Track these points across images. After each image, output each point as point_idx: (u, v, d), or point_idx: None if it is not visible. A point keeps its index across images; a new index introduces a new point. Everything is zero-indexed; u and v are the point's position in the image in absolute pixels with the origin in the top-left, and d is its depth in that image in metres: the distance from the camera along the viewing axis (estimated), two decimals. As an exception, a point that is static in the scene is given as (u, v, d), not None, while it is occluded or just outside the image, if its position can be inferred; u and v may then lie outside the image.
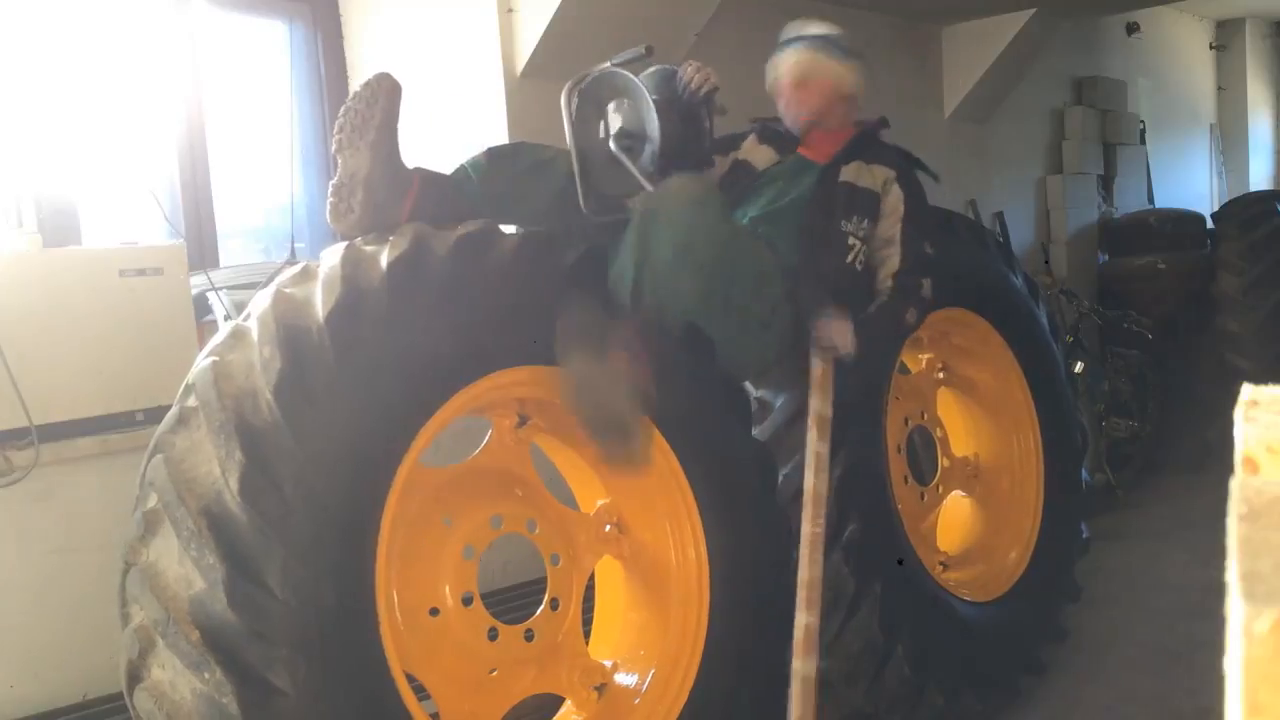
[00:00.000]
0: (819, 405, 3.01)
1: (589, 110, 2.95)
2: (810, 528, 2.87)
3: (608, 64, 2.96)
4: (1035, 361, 4.06)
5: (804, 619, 2.77)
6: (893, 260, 3.20)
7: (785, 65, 3.28)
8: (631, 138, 2.95)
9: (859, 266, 3.17)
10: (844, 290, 3.11)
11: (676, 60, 3.20)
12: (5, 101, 3.49)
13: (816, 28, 3.30)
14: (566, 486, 2.97)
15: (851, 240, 3.15)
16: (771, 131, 3.36)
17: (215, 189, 4.17)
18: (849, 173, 3.21)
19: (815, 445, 2.98)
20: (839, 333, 3.02)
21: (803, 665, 2.75)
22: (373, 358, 2.21)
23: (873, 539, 3.26)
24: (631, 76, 2.94)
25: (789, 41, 3.30)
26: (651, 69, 3.07)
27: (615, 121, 2.90)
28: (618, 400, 2.43)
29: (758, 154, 3.34)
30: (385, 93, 2.57)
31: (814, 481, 2.93)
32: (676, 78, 3.01)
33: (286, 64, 4.39)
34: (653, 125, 2.87)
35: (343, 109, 2.60)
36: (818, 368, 3.04)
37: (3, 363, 2.87)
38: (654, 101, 2.88)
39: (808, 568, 2.82)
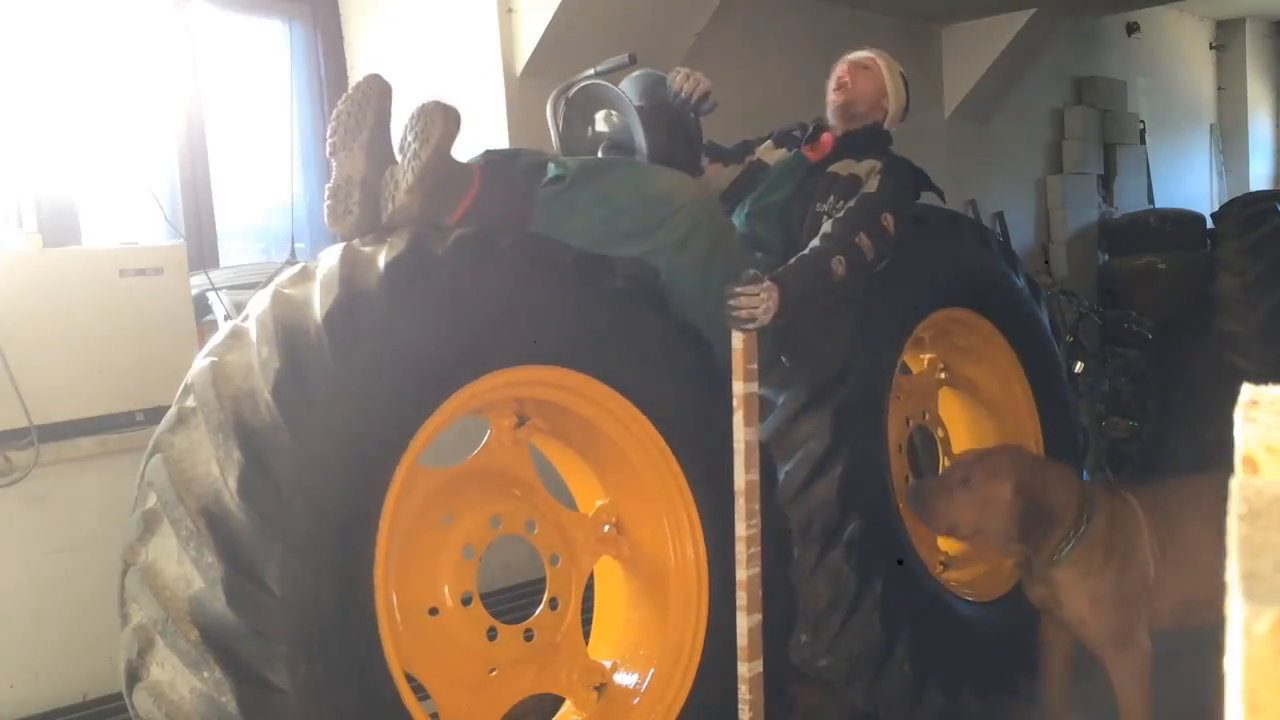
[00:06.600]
0: (741, 387, 2.66)
1: (575, 120, 2.93)
2: (743, 527, 2.67)
3: (591, 72, 2.95)
4: (1037, 362, 4.06)
5: (746, 621, 2.68)
6: (839, 214, 3.02)
7: (862, 51, 3.44)
8: (619, 149, 2.94)
9: None
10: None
11: (675, 60, 3.20)
12: (5, 101, 3.49)
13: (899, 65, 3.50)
14: (565, 487, 2.97)
15: (825, 221, 3.08)
16: (787, 135, 3.40)
17: (215, 189, 4.17)
18: (837, 166, 3.26)
19: (742, 433, 2.66)
20: (752, 302, 2.65)
21: (749, 669, 2.69)
22: (371, 358, 2.20)
23: (873, 538, 3.25)
24: (616, 89, 2.94)
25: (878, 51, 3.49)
26: (638, 74, 3.06)
27: (603, 131, 2.89)
28: None
29: (773, 156, 3.38)
30: (376, 94, 2.57)
31: (744, 476, 2.67)
32: (666, 84, 3.00)
33: (286, 64, 4.40)
34: (639, 136, 2.86)
35: (335, 112, 2.60)
36: (736, 343, 2.67)
37: (3, 363, 2.87)
38: (640, 109, 2.88)
39: (744, 567, 2.68)
